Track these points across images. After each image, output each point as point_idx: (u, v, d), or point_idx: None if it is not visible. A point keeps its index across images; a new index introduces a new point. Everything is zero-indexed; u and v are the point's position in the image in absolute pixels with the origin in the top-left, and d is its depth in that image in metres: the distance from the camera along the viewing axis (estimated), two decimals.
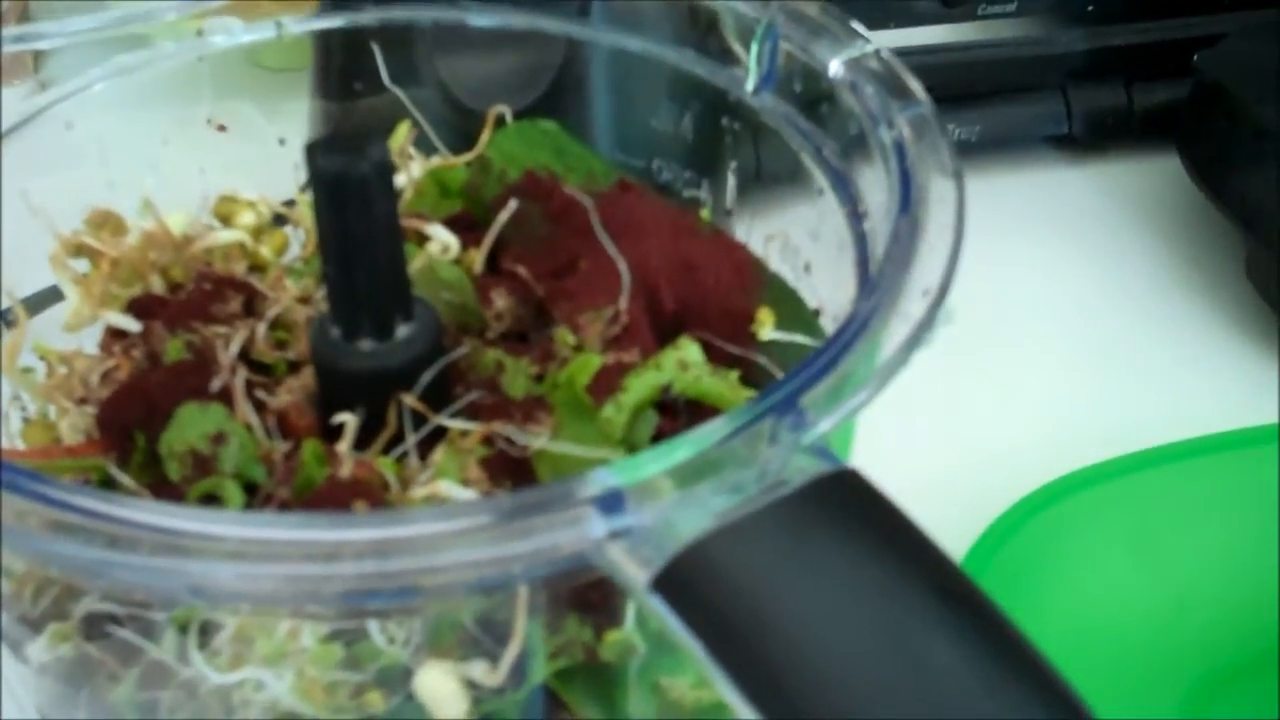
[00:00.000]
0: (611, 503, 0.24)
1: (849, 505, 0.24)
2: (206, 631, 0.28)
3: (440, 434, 0.31)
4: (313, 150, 0.29)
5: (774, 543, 0.23)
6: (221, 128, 0.43)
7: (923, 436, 0.49)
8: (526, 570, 0.24)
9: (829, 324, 0.34)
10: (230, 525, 0.23)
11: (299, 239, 0.39)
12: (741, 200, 0.38)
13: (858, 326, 0.27)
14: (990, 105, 0.62)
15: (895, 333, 0.27)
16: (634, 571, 0.23)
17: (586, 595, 0.28)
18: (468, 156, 0.38)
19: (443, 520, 0.24)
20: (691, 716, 0.32)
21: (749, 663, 0.23)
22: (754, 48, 0.35)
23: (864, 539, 0.24)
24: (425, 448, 0.31)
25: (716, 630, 0.23)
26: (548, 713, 0.30)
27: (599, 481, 0.24)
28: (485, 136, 0.38)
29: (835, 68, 0.34)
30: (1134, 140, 0.63)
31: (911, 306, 0.27)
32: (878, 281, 0.28)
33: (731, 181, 0.38)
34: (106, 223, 0.35)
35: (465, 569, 0.23)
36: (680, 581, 0.23)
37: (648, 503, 0.24)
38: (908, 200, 0.30)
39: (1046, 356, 0.54)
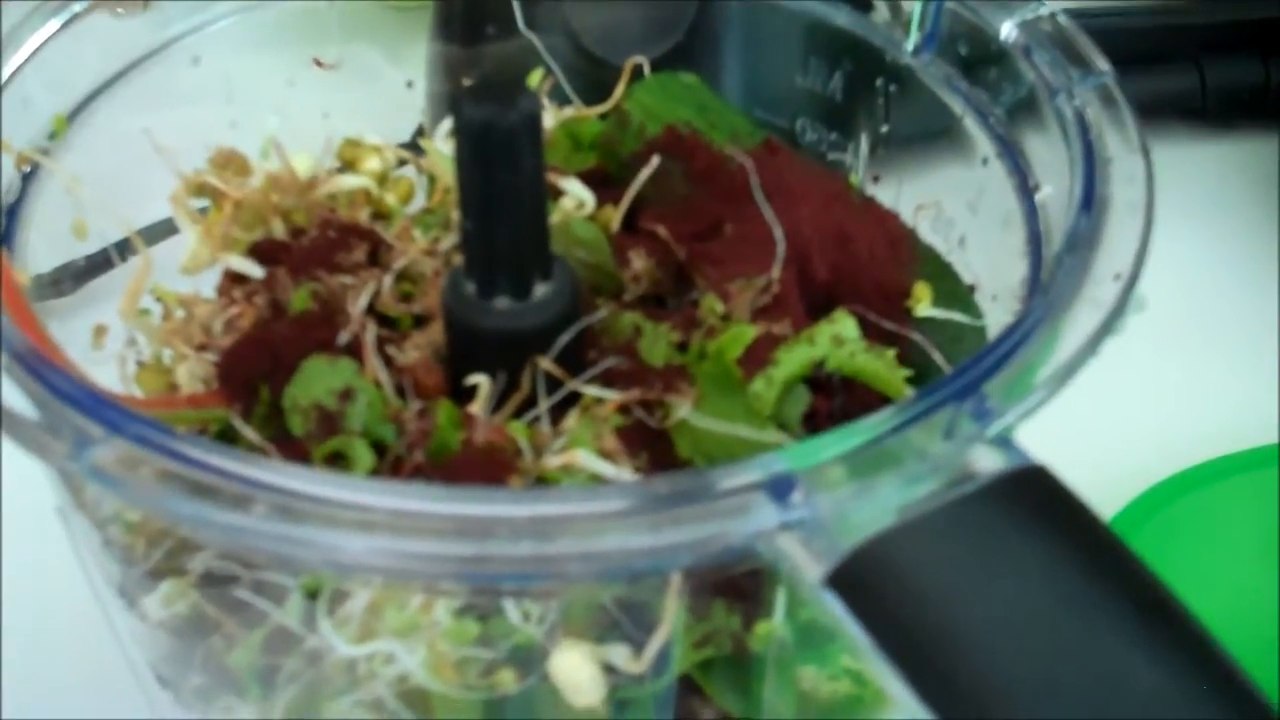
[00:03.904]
0: (782, 489, 0.22)
1: (1040, 506, 0.22)
2: (332, 599, 0.27)
3: (570, 400, 0.30)
4: (460, 98, 0.27)
5: (960, 543, 0.22)
6: (325, 65, 0.41)
7: (1045, 422, 0.47)
8: (691, 558, 0.22)
9: (985, 302, 0.32)
10: (380, 495, 0.22)
11: (422, 186, 0.37)
12: (889, 166, 0.36)
13: (1043, 311, 0.25)
14: (1120, 75, 0.59)
15: (1084, 320, 0.25)
16: (806, 566, 0.22)
17: (736, 581, 0.26)
18: (603, 108, 0.36)
19: (601, 501, 0.22)
20: (826, 708, 0.30)
21: (932, 668, 0.21)
22: (918, 5, 0.33)
23: (1056, 543, 0.22)
24: (555, 414, 0.29)
25: (896, 631, 0.21)
26: (679, 699, 0.29)
27: (767, 466, 0.23)
28: (622, 88, 0.36)
29: (1008, 30, 0.31)
30: (1269, 117, 0.60)
31: (1101, 292, 0.25)
32: (1062, 264, 0.26)
33: (877, 146, 0.36)
34: (231, 163, 0.34)
35: (628, 555, 0.22)
36: (858, 579, 0.22)
37: (821, 492, 0.22)
38: (1092, 177, 0.28)
39: (1170, 342, 0.52)
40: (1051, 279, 0.26)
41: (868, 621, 0.22)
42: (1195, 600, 0.43)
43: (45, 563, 0.33)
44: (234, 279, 0.33)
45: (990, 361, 0.24)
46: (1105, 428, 0.48)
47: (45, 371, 0.24)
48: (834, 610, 0.22)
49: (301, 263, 0.32)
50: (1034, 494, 0.23)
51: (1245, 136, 0.60)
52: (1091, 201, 0.27)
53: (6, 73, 0.31)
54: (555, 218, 0.33)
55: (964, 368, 0.24)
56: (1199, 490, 0.45)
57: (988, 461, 0.23)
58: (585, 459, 0.28)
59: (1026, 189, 0.30)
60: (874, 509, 0.22)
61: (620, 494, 0.23)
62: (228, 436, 0.30)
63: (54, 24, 0.32)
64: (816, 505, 0.22)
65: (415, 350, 0.31)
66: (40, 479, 0.28)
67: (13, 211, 0.31)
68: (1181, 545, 0.44)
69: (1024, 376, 0.24)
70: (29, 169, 0.32)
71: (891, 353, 0.30)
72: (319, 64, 0.41)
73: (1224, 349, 0.52)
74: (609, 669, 0.26)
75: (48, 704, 0.37)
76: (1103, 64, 0.30)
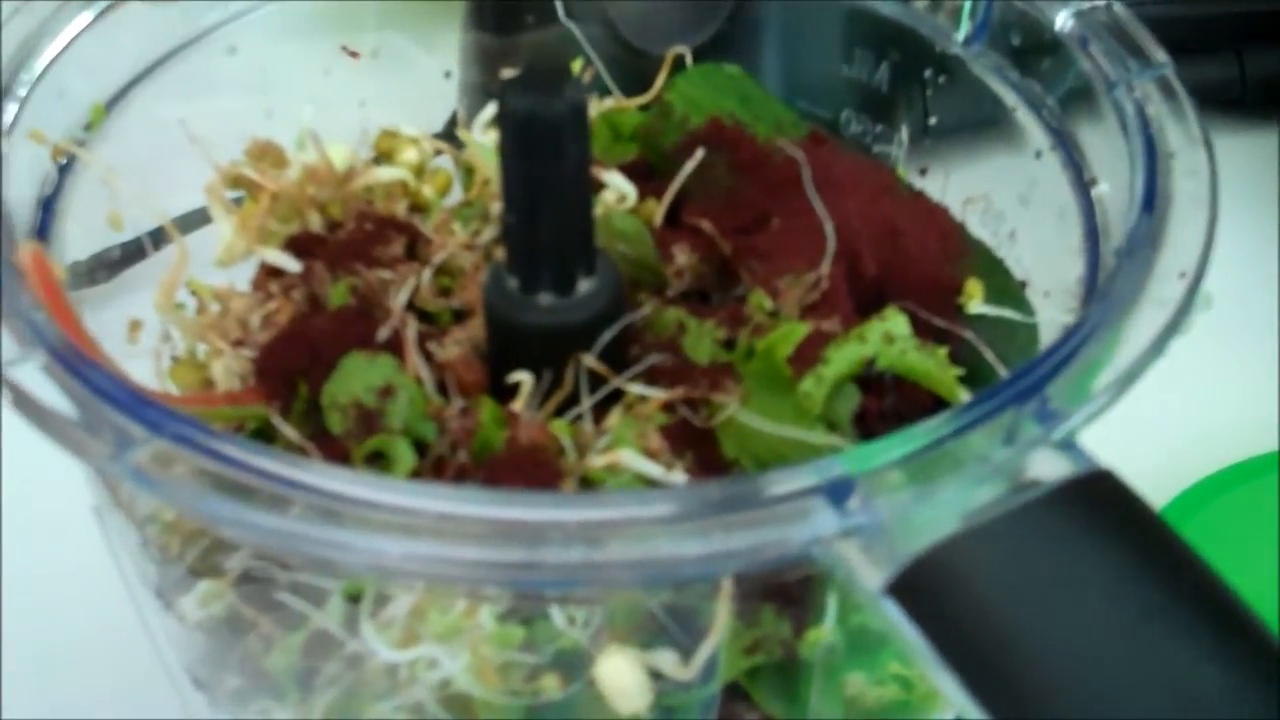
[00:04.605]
0: (840, 494, 0.22)
1: (1107, 512, 0.22)
2: (375, 602, 0.26)
3: (612, 398, 0.29)
4: (503, 87, 0.27)
5: (1027, 549, 0.21)
6: (354, 54, 0.41)
7: None
8: (745, 564, 0.22)
9: (1036, 299, 0.32)
10: (425, 498, 0.21)
11: (458, 178, 0.36)
12: (936, 158, 0.36)
13: (1105, 310, 0.24)
14: None
15: (1148, 319, 0.24)
16: (866, 573, 0.21)
17: (786, 587, 0.26)
18: (644, 99, 0.35)
19: (653, 506, 0.22)
20: (872, 712, 0.29)
21: (998, 676, 0.21)
22: None
23: (1124, 549, 0.21)
24: (597, 413, 0.29)
25: (959, 640, 0.21)
26: (722, 703, 0.28)
27: (824, 470, 0.22)
28: (663, 78, 0.35)
29: (1063, 20, 0.31)
30: None
31: (1165, 290, 0.25)
32: (1124, 261, 0.25)
33: (923, 138, 0.36)
34: (267, 154, 0.33)
35: (679, 562, 0.21)
36: (921, 588, 0.21)
37: (879, 497, 0.22)
38: (1154, 172, 0.27)
39: (1214, 339, 0.51)
40: (1113, 277, 0.25)
41: (929, 629, 0.21)
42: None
43: (77, 563, 0.32)
44: (270, 273, 0.33)
45: (1052, 363, 0.23)
46: (1148, 424, 0.47)
47: (86, 370, 0.24)
48: (892, 617, 0.21)
49: (338, 256, 0.32)
50: (1101, 499, 0.22)
51: None
52: (1154, 198, 0.26)
53: (43, 63, 0.31)
54: (597, 211, 0.32)
55: (1025, 369, 0.23)
56: (1236, 490, 0.45)
57: (1052, 466, 0.22)
58: (630, 459, 0.27)
59: (1082, 183, 0.29)
60: (937, 514, 0.21)
61: (672, 499, 0.22)
62: (265, 434, 0.29)
63: (88, 15, 0.32)
64: (875, 511, 0.21)
65: (455, 346, 0.30)
66: (68, 478, 0.28)
67: (49, 204, 0.30)
68: (1221, 545, 0.43)
69: (1086, 378, 0.24)
70: (65, 160, 0.31)
71: (943, 351, 0.29)
72: (350, 54, 0.40)
73: (1272, 346, 0.51)
74: (655, 675, 0.26)
75: (80, 704, 0.37)
76: (1160, 55, 0.29)
